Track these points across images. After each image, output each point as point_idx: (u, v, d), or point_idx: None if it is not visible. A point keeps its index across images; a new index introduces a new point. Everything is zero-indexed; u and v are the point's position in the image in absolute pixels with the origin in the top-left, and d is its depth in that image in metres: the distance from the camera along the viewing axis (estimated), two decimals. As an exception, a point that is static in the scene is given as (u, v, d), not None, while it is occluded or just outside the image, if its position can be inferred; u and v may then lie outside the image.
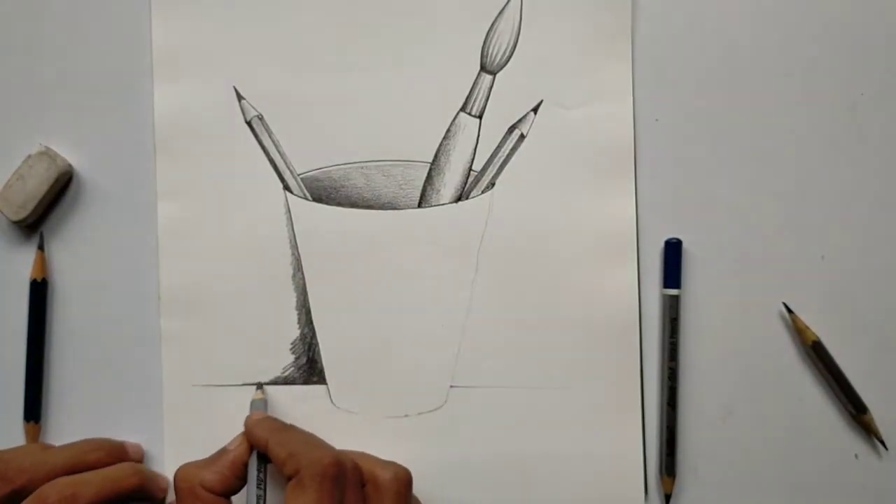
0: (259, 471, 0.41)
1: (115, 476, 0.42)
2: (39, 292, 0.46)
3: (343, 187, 0.46)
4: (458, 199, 0.46)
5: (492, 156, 0.46)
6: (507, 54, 0.46)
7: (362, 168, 0.46)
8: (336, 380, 0.46)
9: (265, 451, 0.41)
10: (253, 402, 0.44)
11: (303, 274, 0.46)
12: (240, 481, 0.41)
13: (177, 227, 0.46)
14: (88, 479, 0.41)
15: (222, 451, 0.41)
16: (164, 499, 0.44)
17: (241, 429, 0.45)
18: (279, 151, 0.46)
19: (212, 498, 0.40)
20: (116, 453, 0.44)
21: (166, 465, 0.46)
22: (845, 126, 0.46)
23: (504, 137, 0.46)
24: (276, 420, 0.43)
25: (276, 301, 0.46)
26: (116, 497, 0.41)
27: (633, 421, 0.46)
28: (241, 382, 0.46)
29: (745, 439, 0.46)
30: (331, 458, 0.38)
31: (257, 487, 0.40)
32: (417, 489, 0.42)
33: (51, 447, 0.44)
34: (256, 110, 0.46)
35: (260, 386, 0.45)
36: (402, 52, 0.46)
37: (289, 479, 0.38)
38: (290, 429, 0.42)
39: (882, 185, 0.46)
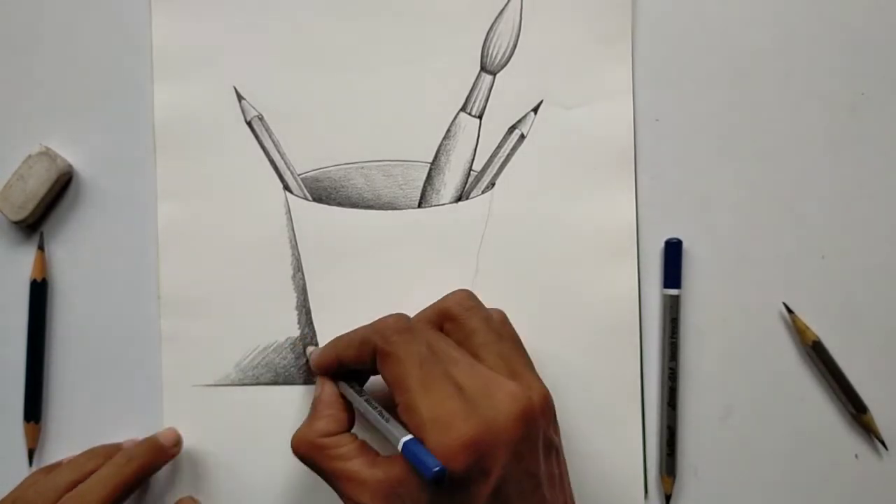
0: (354, 388, 0.41)
1: (112, 471, 0.42)
2: (39, 292, 0.46)
3: (343, 187, 0.46)
4: (458, 199, 0.46)
5: (492, 156, 0.46)
6: (507, 54, 0.46)
7: (362, 168, 0.46)
8: (336, 380, 0.46)
9: (342, 365, 0.40)
10: (307, 351, 0.45)
11: (303, 274, 0.46)
12: (348, 412, 0.40)
13: (177, 227, 0.46)
14: (89, 485, 0.41)
15: (315, 402, 0.41)
16: (177, 453, 0.45)
17: (241, 429, 0.45)
18: (279, 151, 0.46)
19: (335, 440, 0.39)
20: (113, 455, 0.43)
21: (166, 465, 0.45)
22: (845, 126, 0.46)
23: (504, 137, 0.46)
24: (328, 342, 0.42)
25: (276, 301, 0.46)
26: (126, 487, 0.41)
27: (633, 421, 0.46)
28: (241, 382, 0.46)
29: (745, 439, 0.46)
30: (392, 317, 0.38)
31: (365, 402, 0.39)
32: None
33: (53, 468, 0.43)
34: (256, 110, 0.46)
35: (304, 346, 0.46)
36: (402, 52, 0.46)
37: (375, 365, 0.38)
38: (345, 333, 0.41)
39: (882, 185, 0.46)
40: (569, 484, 0.39)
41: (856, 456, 0.46)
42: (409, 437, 0.35)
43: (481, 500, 0.35)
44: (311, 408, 0.41)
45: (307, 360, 0.46)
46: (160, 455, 0.44)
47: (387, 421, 0.37)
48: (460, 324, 0.39)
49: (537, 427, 0.36)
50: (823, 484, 0.46)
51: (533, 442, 0.36)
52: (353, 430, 0.40)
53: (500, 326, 0.40)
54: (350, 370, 0.41)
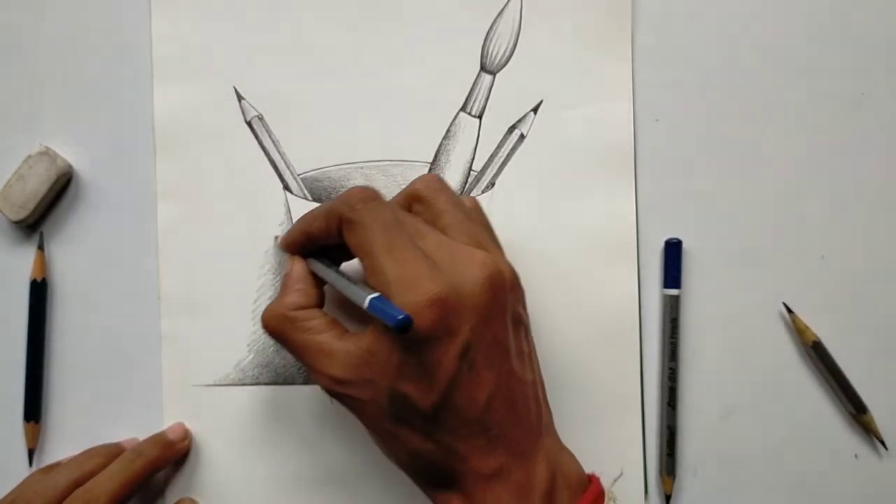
0: (322, 264, 0.40)
1: (122, 466, 0.42)
2: (39, 292, 0.46)
3: (343, 187, 0.46)
4: (458, 199, 0.46)
5: (492, 156, 0.46)
6: (507, 54, 0.46)
7: (362, 168, 0.46)
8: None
9: (310, 240, 0.40)
10: (276, 242, 0.45)
11: (303, 274, 0.46)
12: (318, 289, 0.40)
13: (177, 227, 0.46)
14: (96, 483, 0.41)
15: (284, 278, 0.41)
16: (186, 448, 0.45)
17: (241, 429, 0.45)
18: (279, 151, 0.46)
19: (306, 313, 0.39)
20: (114, 455, 0.43)
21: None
22: (846, 126, 0.46)
23: (504, 137, 0.46)
24: (295, 223, 0.41)
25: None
26: (134, 482, 0.42)
27: (633, 421, 0.46)
28: (241, 382, 0.46)
29: (745, 439, 0.46)
30: (358, 187, 0.38)
31: (334, 272, 0.39)
32: (415, 488, 0.41)
33: (52, 468, 0.43)
34: (256, 110, 0.46)
35: (275, 238, 0.46)
36: (402, 52, 0.46)
37: (342, 237, 0.38)
38: (311, 210, 0.41)
39: (882, 184, 0.46)
40: (538, 365, 0.39)
41: (856, 456, 0.46)
42: (376, 294, 0.35)
43: (449, 361, 0.35)
44: (282, 284, 0.41)
45: (276, 246, 0.45)
46: (168, 451, 0.44)
47: (354, 284, 0.37)
48: (429, 204, 0.39)
49: (505, 296, 0.37)
50: (823, 484, 0.46)
51: (501, 310, 0.36)
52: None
53: (470, 209, 0.40)
54: (320, 250, 0.41)
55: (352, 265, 0.42)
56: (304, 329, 0.38)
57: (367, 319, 0.36)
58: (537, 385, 0.38)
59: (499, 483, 0.36)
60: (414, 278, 0.35)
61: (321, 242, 0.40)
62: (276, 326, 0.39)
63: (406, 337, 0.34)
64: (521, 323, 0.38)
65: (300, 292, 0.40)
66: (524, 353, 0.38)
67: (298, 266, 0.41)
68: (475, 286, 0.35)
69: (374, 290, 0.35)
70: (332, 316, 0.39)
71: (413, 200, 0.39)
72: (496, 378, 0.36)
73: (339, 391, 0.37)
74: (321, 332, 0.38)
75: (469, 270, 0.36)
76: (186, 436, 0.45)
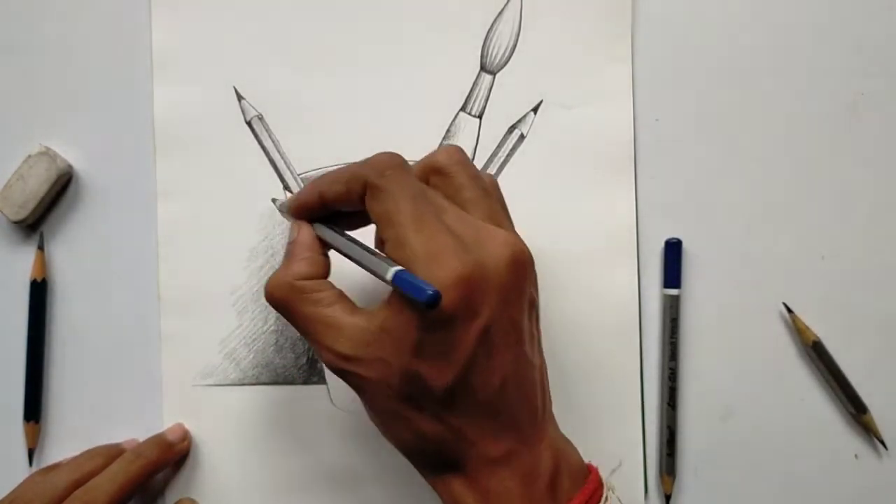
0: (333, 230, 0.38)
1: (121, 467, 0.42)
2: (39, 292, 0.46)
3: (343, 187, 0.46)
4: (458, 199, 0.46)
5: (492, 156, 0.46)
6: (507, 54, 0.46)
7: (362, 168, 0.46)
8: (335, 380, 0.46)
9: (324, 205, 0.37)
10: (277, 205, 0.43)
11: (303, 274, 0.46)
12: (326, 257, 0.38)
13: (177, 227, 0.46)
14: (95, 483, 0.41)
15: (291, 245, 0.38)
16: (185, 449, 0.45)
17: (241, 429, 0.45)
18: (279, 151, 0.46)
19: (314, 283, 0.36)
20: (114, 456, 0.43)
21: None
22: (845, 126, 0.46)
23: (504, 137, 0.46)
24: (307, 185, 0.39)
25: (276, 301, 0.46)
26: (134, 483, 0.42)
27: (633, 421, 0.46)
28: (241, 382, 0.46)
29: (745, 439, 0.46)
30: (386, 154, 0.36)
31: (348, 240, 0.37)
32: (416, 489, 0.42)
33: (52, 468, 0.43)
34: (256, 110, 0.46)
35: (273, 200, 0.45)
36: (402, 52, 0.46)
37: (363, 203, 0.36)
38: (327, 172, 0.38)
39: (882, 185, 0.46)
40: (542, 351, 0.38)
41: (856, 456, 0.46)
42: (400, 267, 0.33)
43: (469, 342, 0.34)
44: (287, 252, 0.38)
45: (278, 210, 0.42)
46: (168, 452, 0.44)
47: (374, 255, 0.35)
48: (449, 178, 0.37)
49: (526, 277, 0.36)
50: (823, 484, 0.46)
51: (521, 291, 0.35)
52: None
53: (489, 186, 0.38)
54: (324, 218, 0.38)
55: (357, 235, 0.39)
56: (312, 301, 0.36)
57: (374, 296, 0.34)
58: (543, 370, 0.38)
59: (505, 468, 0.35)
60: (440, 254, 0.33)
61: (335, 208, 0.37)
62: (282, 297, 0.36)
63: (427, 315, 0.33)
64: (533, 306, 0.37)
65: (308, 261, 0.37)
66: (534, 337, 0.37)
67: (306, 232, 0.38)
68: (500, 265, 0.34)
69: (394, 262, 0.34)
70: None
71: (432, 172, 0.37)
72: (511, 361, 0.35)
73: (345, 368, 0.35)
74: (330, 305, 0.36)
75: (493, 249, 0.34)
76: (186, 436, 0.45)
